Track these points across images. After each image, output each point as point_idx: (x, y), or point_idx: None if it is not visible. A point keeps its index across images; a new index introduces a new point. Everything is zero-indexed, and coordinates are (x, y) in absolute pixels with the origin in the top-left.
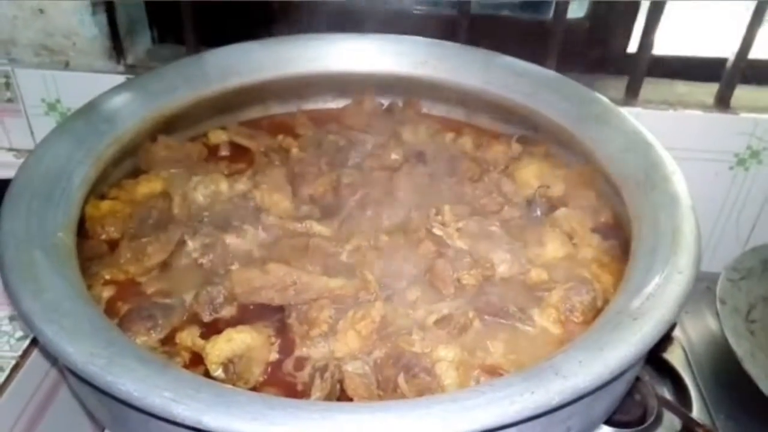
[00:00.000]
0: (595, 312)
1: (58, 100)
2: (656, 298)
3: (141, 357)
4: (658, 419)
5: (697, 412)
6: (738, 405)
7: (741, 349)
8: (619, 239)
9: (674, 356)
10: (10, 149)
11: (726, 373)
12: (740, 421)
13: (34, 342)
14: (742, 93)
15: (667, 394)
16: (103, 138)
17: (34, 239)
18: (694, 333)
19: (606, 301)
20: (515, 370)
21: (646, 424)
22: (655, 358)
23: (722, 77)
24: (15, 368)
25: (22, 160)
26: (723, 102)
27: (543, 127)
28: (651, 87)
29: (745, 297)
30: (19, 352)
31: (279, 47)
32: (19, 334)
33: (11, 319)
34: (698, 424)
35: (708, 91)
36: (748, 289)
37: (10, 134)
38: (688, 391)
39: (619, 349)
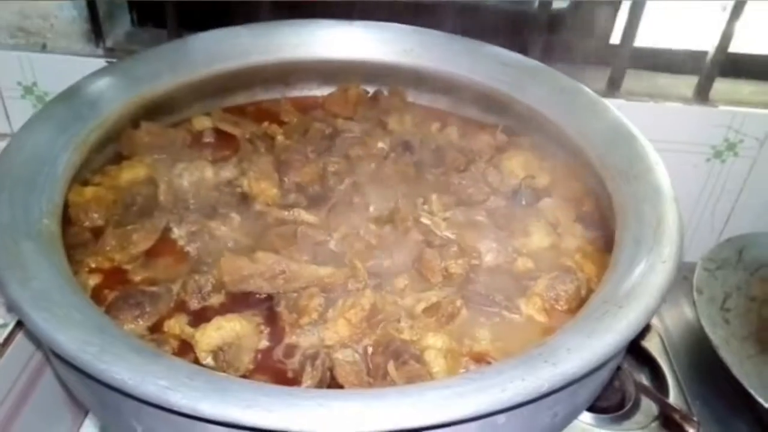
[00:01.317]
0: (579, 301)
1: (34, 84)
2: (641, 287)
3: (133, 345)
4: (636, 405)
5: (673, 398)
6: (713, 391)
7: (716, 336)
8: (602, 229)
9: (652, 344)
10: None
11: (702, 360)
12: (715, 407)
13: (16, 329)
14: (721, 86)
15: (644, 380)
16: (86, 123)
17: (19, 226)
18: (671, 321)
19: (590, 290)
20: (503, 358)
21: (624, 410)
22: (633, 346)
23: (702, 70)
24: None
25: None
26: (702, 95)
27: (528, 117)
28: (632, 78)
29: (720, 286)
30: (0, 341)
31: (264, 32)
32: (0, 321)
33: None
34: (675, 410)
35: (688, 83)
36: (724, 279)
37: None
38: (665, 377)
39: (606, 337)
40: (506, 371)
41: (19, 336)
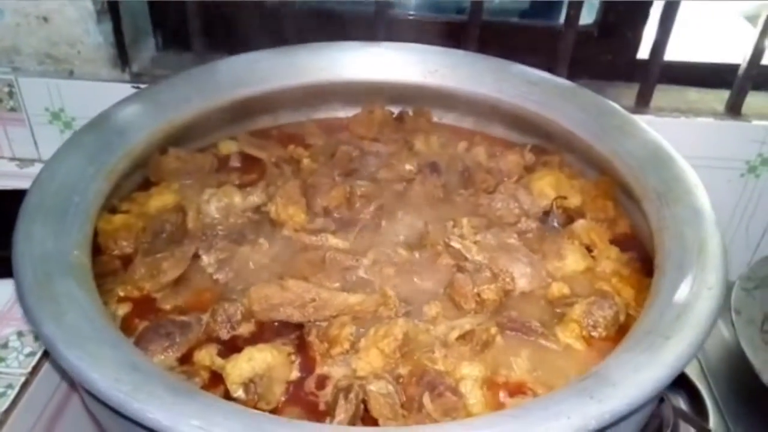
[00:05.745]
0: (617, 327)
1: (61, 109)
2: (688, 316)
3: (167, 383)
4: (675, 431)
5: (714, 424)
6: (756, 416)
7: (758, 360)
8: (637, 251)
9: (689, 366)
10: (13, 159)
11: (742, 384)
12: None
13: (44, 358)
14: (753, 100)
15: (683, 405)
16: (116, 152)
17: (50, 259)
18: (709, 343)
19: (628, 316)
20: (541, 389)
21: None
22: None
23: (734, 84)
24: (24, 385)
25: (25, 170)
26: (734, 109)
27: (558, 136)
28: (662, 94)
29: (759, 307)
30: (29, 369)
31: (289, 56)
32: (28, 350)
33: (19, 335)
34: None
35: (719, 97)
36: (762, 299)
37: (13, 144)
38: (705, 402)
39: (654, 371)
40: (550, 408)
41: (47, 364)
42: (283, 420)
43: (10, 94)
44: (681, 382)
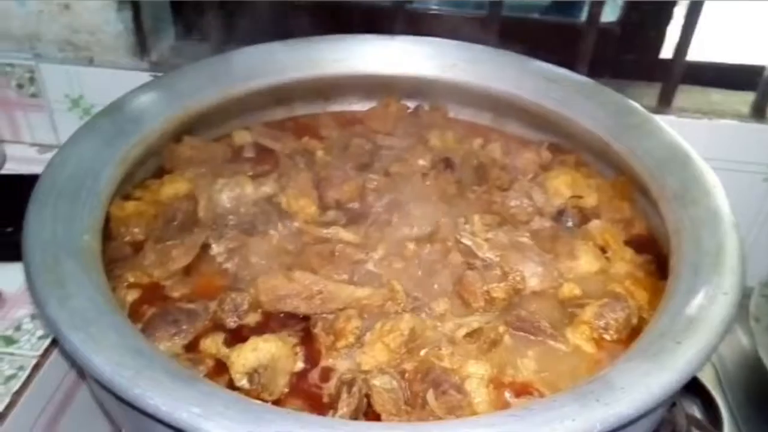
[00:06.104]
0: (630, 330)
1: (81, 96)
2: (701, 321)
3: (169, 369)
4: None
5: None
6: None
7: None
8: (653, 253)
9: (704, 374)
10: (33, 144)
11: (759, 393)
12: None
13: (55, 341)
14: None
15: (696, 413)
16: (130, 138)
17: (60, 242)
18: (726, 350)
19: (641, 319)
20: (548, 390)
21: None
22: None
23: (759, 86)
24: (36, 367)
25: (44, 155)
26: (759, 112)
27: (576, 135)
28: (684, 95)
29: None
30: (40, 351)
31: (305, 48)
32: (40, 332)
33: (33, 317)
34: None
35: (744, 100)
36: None
37: (33, 129)
38: (719, 410)
39: (663, 376)
40: (555, 409)
41: (58, 349)
42: (283, 411)
43: (31, 80)
44: (696, 390)
